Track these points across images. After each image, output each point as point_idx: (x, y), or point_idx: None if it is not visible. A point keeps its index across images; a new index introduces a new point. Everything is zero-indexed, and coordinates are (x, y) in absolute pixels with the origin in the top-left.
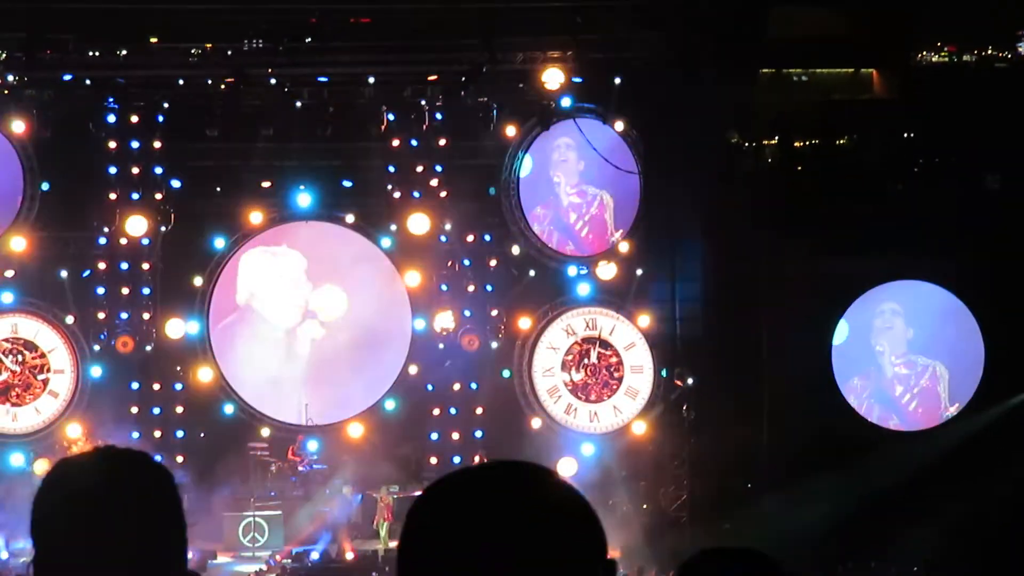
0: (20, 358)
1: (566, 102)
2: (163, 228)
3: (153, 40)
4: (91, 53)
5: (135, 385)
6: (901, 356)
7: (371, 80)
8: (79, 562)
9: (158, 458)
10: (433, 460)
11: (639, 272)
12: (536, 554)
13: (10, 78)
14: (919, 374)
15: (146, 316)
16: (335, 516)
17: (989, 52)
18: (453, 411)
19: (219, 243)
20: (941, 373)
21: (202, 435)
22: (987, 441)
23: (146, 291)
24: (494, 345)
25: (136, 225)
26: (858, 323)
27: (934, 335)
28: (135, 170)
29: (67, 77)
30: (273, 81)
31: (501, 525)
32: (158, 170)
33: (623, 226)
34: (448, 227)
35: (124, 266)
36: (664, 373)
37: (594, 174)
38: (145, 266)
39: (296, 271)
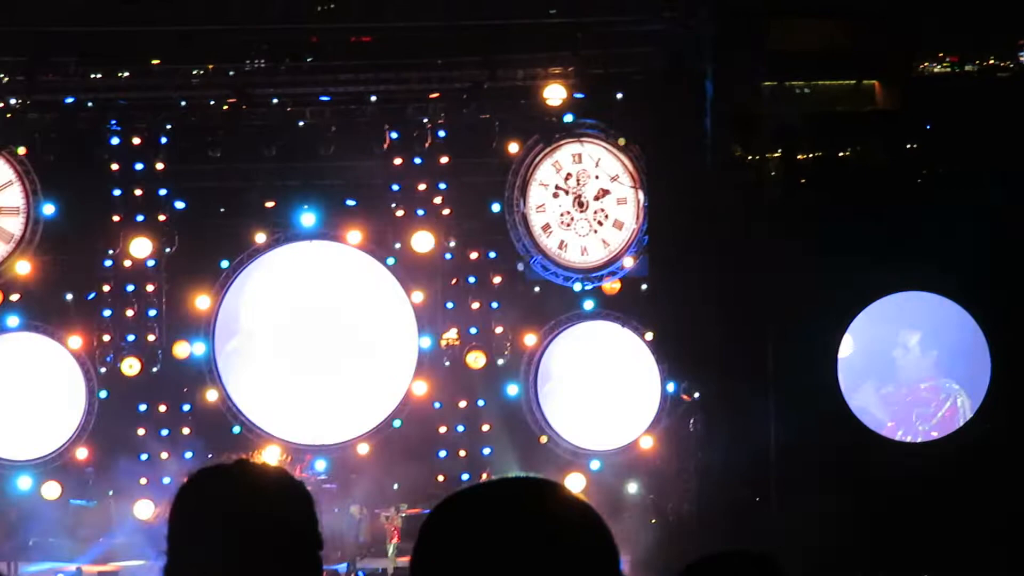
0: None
1: (568, 118)
2: (168, 249)
3: (155, 61)
4: (93, 75)
5: (142, 407)
6: (928, 379)
7: (373, 98)
8: (209, 567)
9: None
10: (440, 478)
11: (644, 287)
12: (548, 569)
13: (12, 101)
14: (941, 402)
15: (152, 338)
16: (343, 535)
17: (991, 62)
18: (460, 428)
19: (224, 263)
20: (963, 403)
21: (210, 456)
22: (1001, 450)
23: (152, 313)
24: (500, 362)
25: (141, 247)
26: (866, 336)
27: (953, 352)
28: (139, 192)
29: (69, 100)
30: (275, 101)
31: (512, 541)
32: (162, 191)
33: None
34: (452, 244)
35: (129, 288)
36: (671, 388)
37: None
38: (150, 288)
39: (300, 291)
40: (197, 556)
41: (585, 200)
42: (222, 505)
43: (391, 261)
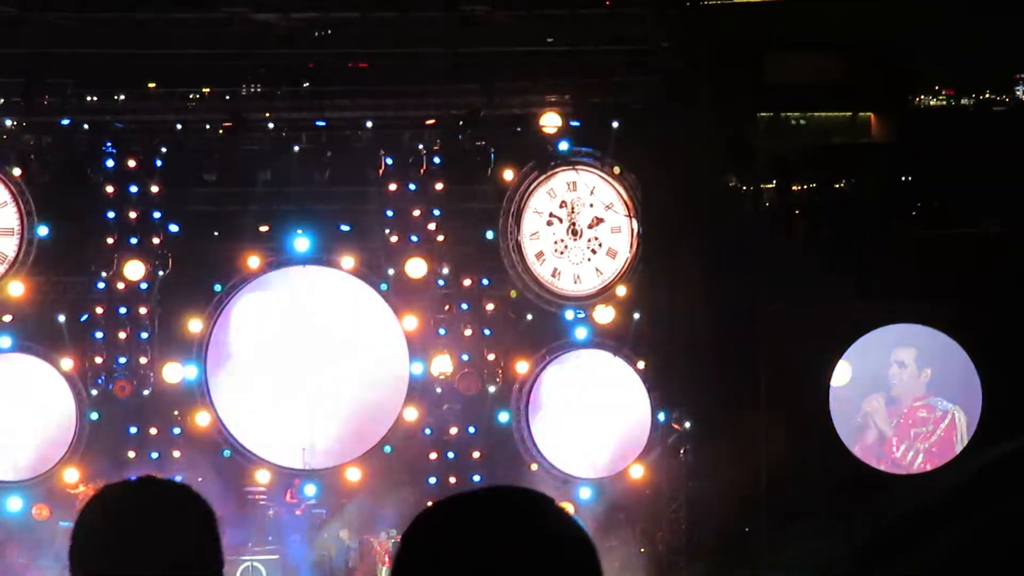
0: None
1: (564, 146)
2: (161, 272)
3: (151, 85)
4: (89, 98)
5: (133, 429)
6: (921, 399)
7: (369, 124)
8: None
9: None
10: (430, 504)
11: (636, 316)
12: None
13: (8, 122)
14: (938, 419)
15: (143, 360)
16: (332, 561)
17: (987, 96)
18: (451, 455)
19: (217, 287)
20: (960, 420)
21: (200, 479)
22: (992, 481)
23: (144, 335)
24: (492, 389)
25: (134, 269)
26: (860, 366)
27: (945, 376)
28: (133, 214)
29: (65, 122)
30: (271, 126)
31: (497, 548)
32: (156, 214)
33: None
34: (445, 271)
35: (122, 310)
36: (662, 417)
37: None
38: (143, 310)
39: (293, 316)
40: (97, 572)
41: (579, 228)
42: (121, 521)
43: (384, 287)
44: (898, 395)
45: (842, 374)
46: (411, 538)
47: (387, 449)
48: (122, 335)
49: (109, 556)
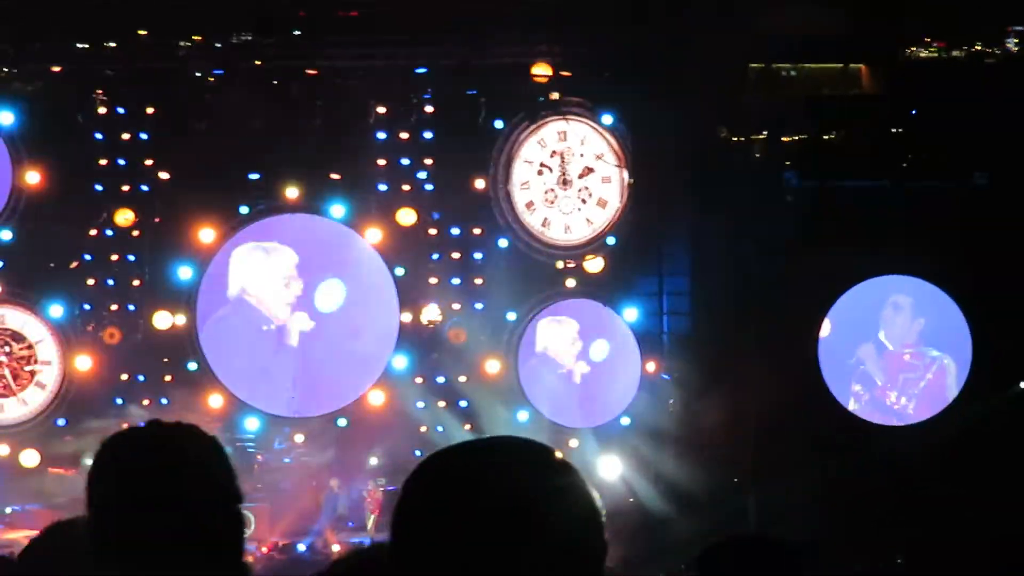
0: (7, 349)
1: (554, 96)
2: (151, 220)
3: (142, 33)
4: (80, 46)
5: (123, 376)
6: (910, 346)
7: (360, 73)
8: (131, 527)
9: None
10: (419, 453)
11: (626, 266)
12: (534, 529)
13: None
14: (927, 365)
15: (133, 308)
16: (322, 509)
17: (979, 48)
18: (441, 404)
19: (207, 236)
20: (949, 366)
21: None
22: (983, 433)
23: (135, 283)
24: (481, 338)
25: (124, 217)
26: (846, 317)
27: (939, 328)
28: (123, 162)
29: (55, 69)
30: (262, 74)
31: (500, 498)
32: (147, 162)
33: None
34: (436, 219)
35: (113, 257)
36: (651, 367)
37: None
38: (132, 258)
39: (286, 265)
40: (119, 517)
41: (569, 178)
42: (139, 463)
43: (374, 235)
44: (889, 341)
45: (828, 325)
46: (413, 485)
47: (376, 398)
48: (111, 282)
49: (129, 501)
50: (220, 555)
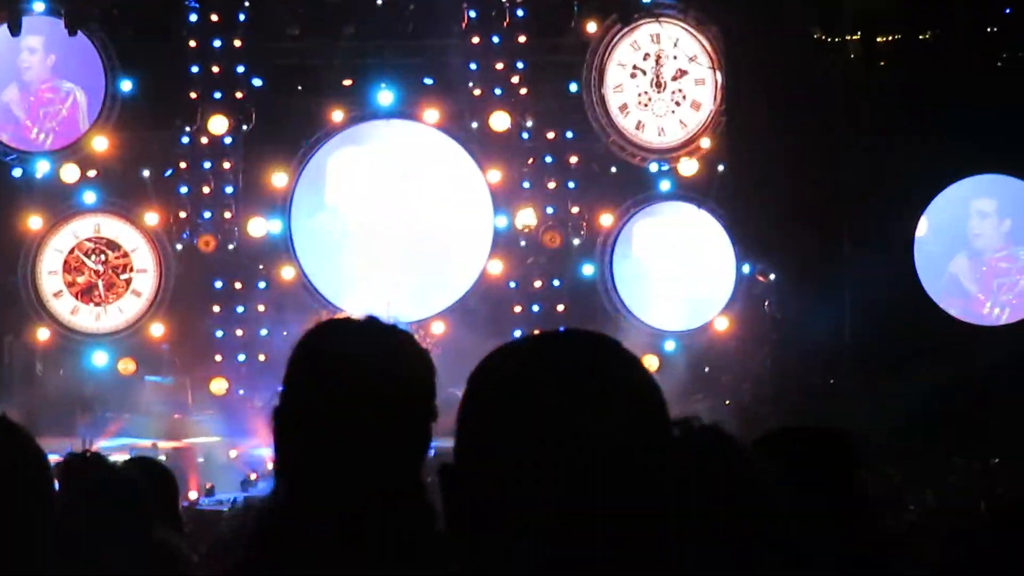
0: (103, 258)
1: None
2: (245, 127)
3: None
4: None
5: (218, 284)
6: (1000, 251)
7: None
8: (324, 426)
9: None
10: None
11: (721, 168)
12: (604, 419)
13: None
14: (1021, 268)
15: (228, 215)
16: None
17: None
18: (535, 308)
19: (301, 142)
20: None
21: (284, 334)
22: None
23: (228, 190)
24: (576, 242)
25: (218, 124)
26: (942, 217)
27: None
28: (216, 69)
29: None
30: None
31: (561, 388)
32: (239, 68)
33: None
34: (529, 124)
35: (206, 165)
36: (747, 270)
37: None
38: (227, 165)
39: (381, 170)
40: (309, 401)
41: (663, 80)
42: (343, 352)
43: (468, 140)
44: (980, 248)
45: (922, 226)
46: (477, 377)
47: (471, 302)
48: (206, 189)
49: (323, 387)
50: (401, 467)
